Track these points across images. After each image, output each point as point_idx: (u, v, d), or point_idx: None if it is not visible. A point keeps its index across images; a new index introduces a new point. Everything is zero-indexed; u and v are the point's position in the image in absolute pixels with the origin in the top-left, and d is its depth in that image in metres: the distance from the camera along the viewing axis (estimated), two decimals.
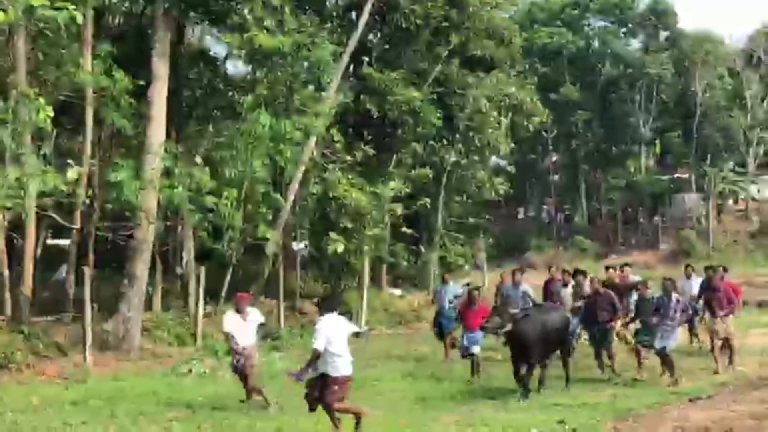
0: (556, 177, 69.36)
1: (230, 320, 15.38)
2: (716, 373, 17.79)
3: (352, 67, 33.63)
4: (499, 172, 53.10)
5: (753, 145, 62.79)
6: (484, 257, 42.02)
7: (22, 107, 18.54)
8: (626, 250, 60.28)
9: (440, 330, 22.10)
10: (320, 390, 11.87)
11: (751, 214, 63.01)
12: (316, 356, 11.72)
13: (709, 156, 61.91)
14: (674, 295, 17.00)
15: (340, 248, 28.15)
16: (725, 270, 20.34)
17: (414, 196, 33.29)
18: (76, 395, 17.02)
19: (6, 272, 22.14)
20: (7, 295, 21.70)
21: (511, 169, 59.58)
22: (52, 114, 18.04)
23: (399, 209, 31.74)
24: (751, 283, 41.94)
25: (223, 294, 26.00)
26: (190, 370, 20.39)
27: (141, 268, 22.82)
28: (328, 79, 28.90)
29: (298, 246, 33.60)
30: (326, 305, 12.36)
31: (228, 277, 26.14)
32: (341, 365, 11.85)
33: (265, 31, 25.81)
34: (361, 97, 32.20)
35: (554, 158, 68.50)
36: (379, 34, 35.30)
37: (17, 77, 20.14)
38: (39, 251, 26.37)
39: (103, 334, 21.85)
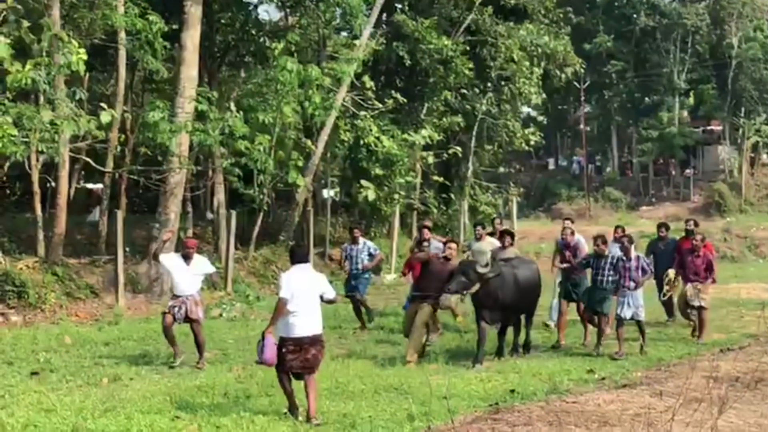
0: (588, 128, 68.83)
1: (170, 261, 14.42)
2: (696, 337, 16.42)
3: (384, 14, 33.42)
4: (531, 122, 52.84)
5: None
6: (514, 206, 41.72)
7: (56, 51, 18.56)
8: (657, 202, 60.02)
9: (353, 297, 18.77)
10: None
11: None
12: (282, 306, 10.32)
13: (743, 108, 61.21)
14: (633, 253, 15.33)
15: (371, 195, 28.17)
16: (696, 224, 18.04)
17: (445, 145, 33.20)
18: (109, 336, 17.24)
19: (40, 214, 22.36)
20: (41, 236, 21.92)
21: (543, 119, 59.26)
22: (85, 57, 18.06)
23: (430, 157, 31.66)
24: None
25: (254, 239, 26.14)
26: (221, 314, 20.60)
27: (173, 212, 22.93)
28: (360, 26, 28.74)
29: (329, 193, 33.67)
30: (295, 255, 10.93)
31: (258, 223, 26.26)
32: (297, 325, 10.34)
33: None
34: (394, 44, 32.02)
35: (586, 109, 67.94)
36: None
37: (51, 20, 20.12)
38: (72, 194, 26.59)
39: (135, 276, 22.06)
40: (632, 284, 15.04)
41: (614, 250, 16.21)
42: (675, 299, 18.00)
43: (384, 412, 10.60)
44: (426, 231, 17.76)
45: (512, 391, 11.66)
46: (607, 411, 10.06)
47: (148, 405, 11.02)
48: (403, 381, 12.38)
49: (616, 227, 19.28)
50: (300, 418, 10.20)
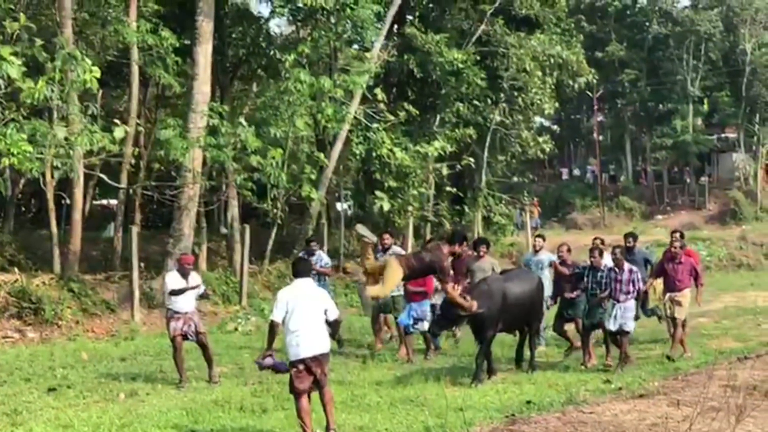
0: (601, 137, 68.65)
1: (174, 281, 14.12)
2: (674, 358, 15.13)
3: (395, 26, 33.47)
4: (544, 131, 52.71)
5: None
6: (527, 216, 41.39)
7: (69, 68, 18.64)
8: (672, 211, 59.79)
9: None
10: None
11: None
12: (271, 329, 10.01)
13: (757, 115, 60.95)
14: (626, 266, 14.96)
15: (386, 206, 28.03)
16: (682, 236, 17.21)
17: (458, 156, 33.15)
18: (125, 351, 17.31)
19: (55, 230, 22.44)
20: (57, 253, 22.00)
21: (556, 128, 59.20)
22: (98, 74, 18.13)
23: (443, 169, 31.63)
24: None
25: (268, 253, 26.15)
26: (236, 328, 20.65)
27: (187, 227, 23.01)
28: (371, 38, 28.80)
29: (342, 206, 33.67)
30: (297, 268, 10.29)
31: (272, 237, 26.28)
32: (302, 345, 9.77)
33: None
34: (405, 56, 32.04)
35: (599, 118, 67.80)
36: None
37: (64, 37, 20.23)
38: (86, 210, 26.68)
39: (150, 292, 22.12)
40: (622, 296, 14.71)
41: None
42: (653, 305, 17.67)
43: (400, 424, 10.59)
44: (386, 236, 17.17)
45: (529, 402, 11.64)
46: (624, 421, 10.02)
47: (165, 420, 11.05)
48: (419, 393, 12.37)
49: (594, 239, 18.34)
50: None
